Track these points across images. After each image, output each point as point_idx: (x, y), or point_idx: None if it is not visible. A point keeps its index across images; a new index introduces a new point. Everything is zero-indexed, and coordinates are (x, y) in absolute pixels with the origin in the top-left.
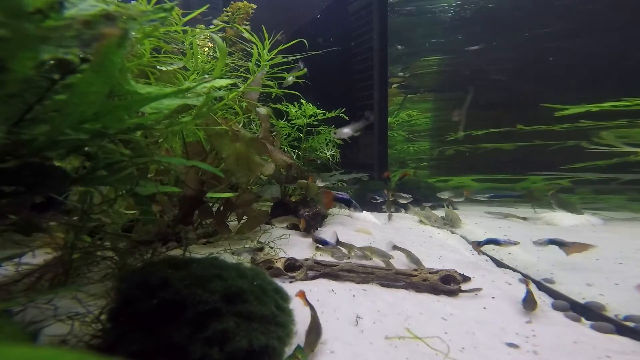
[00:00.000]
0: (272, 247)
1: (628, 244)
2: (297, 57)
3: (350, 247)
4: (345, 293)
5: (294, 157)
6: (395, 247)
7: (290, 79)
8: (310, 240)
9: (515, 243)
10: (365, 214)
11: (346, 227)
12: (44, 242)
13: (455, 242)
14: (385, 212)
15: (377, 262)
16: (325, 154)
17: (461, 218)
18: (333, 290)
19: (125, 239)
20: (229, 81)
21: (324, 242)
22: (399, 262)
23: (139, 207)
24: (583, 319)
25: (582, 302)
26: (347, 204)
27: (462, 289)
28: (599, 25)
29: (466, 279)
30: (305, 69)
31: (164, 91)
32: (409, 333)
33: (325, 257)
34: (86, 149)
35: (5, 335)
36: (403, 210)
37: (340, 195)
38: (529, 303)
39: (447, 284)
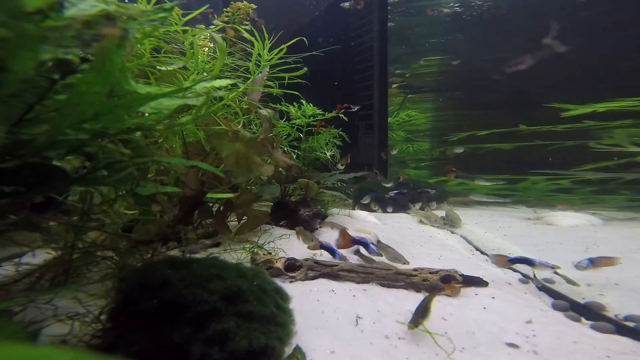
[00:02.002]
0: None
1: (628, 244)
2: (297, 57)
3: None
4: (345, 293)
5: (294, 157)
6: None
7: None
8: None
9: (554, 267)
10: (365, 213)
11: (346, 227)
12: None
13: (455, 242)
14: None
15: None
16: (325, 154)
17: (461, 218)
18: (333, 290)
19: (125, 239)
20: (228, 81)
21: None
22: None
23: (139, 207)
24: (583, 319)
25: (582, 302)
26: (366, 245)
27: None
28: (600, 24)
29: (468, 279)
30: (306, 69)
31: (164, 91)
32: (422, 326)
33: (325, 257)
34: (86, 149)
35: (5, 335)
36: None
37: (360, 239)
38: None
39: (447, 284)
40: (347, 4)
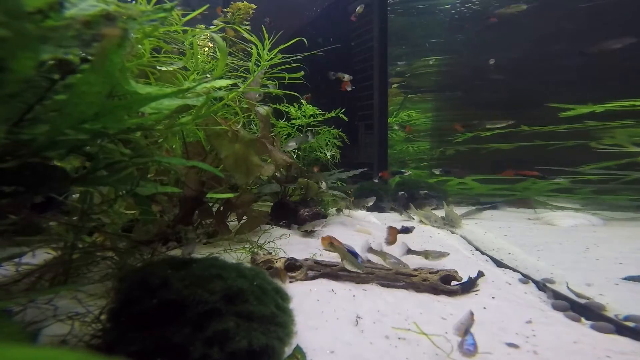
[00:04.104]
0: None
1: (628, 244)
2: (297, 57)
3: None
4: (345, 293)
5: (294, 157)
6: (409, 251)
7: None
8: (310, 240)
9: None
10: (365, 213)
11: (346, 227)
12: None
13: (455, 242)
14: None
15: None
16: (325, 154)
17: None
18: (333, 290)
19: (125, 239)
20: (229, 81)
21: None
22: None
23: (139, 207)
24: (583, 319)
25: (582, 302)
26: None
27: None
28: (600, 24)
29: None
30: (303, 72)
31: (164, 91)
32: (416, 328)
33: (325, 257)
34: (86, 149)
35: (5, 335)
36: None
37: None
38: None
39: (447, 284)
40: (359, 8)
